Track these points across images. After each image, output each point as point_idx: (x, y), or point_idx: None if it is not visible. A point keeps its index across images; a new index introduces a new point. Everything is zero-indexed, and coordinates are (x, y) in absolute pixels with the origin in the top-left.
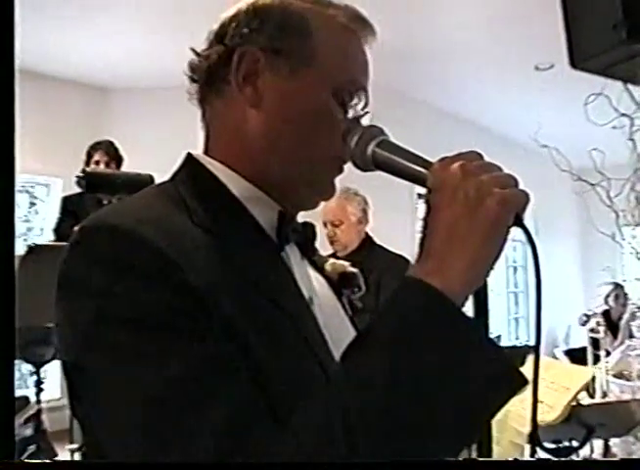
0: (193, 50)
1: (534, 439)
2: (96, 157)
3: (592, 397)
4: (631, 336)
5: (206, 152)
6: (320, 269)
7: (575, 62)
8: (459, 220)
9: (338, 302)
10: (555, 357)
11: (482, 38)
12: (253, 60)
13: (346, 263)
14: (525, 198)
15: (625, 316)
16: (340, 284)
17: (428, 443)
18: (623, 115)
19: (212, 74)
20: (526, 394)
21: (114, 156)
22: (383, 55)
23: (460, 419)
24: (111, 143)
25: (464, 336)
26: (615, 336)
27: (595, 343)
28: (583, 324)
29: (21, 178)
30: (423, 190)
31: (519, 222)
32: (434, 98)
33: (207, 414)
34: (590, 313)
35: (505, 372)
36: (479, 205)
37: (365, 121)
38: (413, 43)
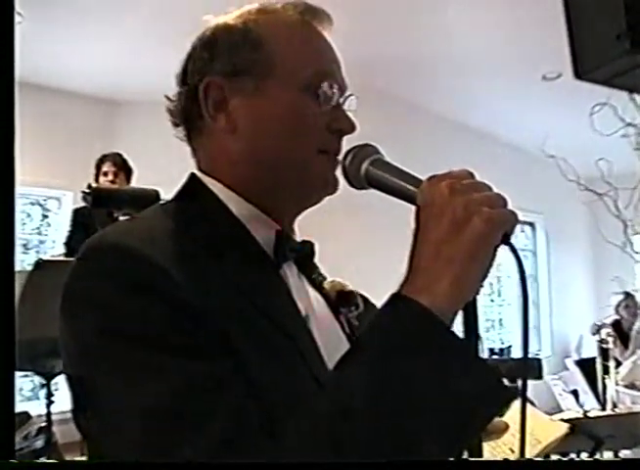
0: (167, 97)
1: (523, 453)
2: (104, 168)
3: (603, 407)
4: None
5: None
6: (318, 287)
7: (580, 73)
8: (446, 238)
9: (335, 320)
10: (566, 368)
11: (490, 48)
12: (217, 88)
13: (345, 282)
14: (512, 218)
15: (636, 326)
16: (337, 302)
17: (413, 455)
18: (629, 124)
19: (187, 115)
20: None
21: (122, 166)
22: (391, 66)
23: (445, 433)
24: (119, 154)
25: (449, 352)
26: (626, 346)
27: (605, 353)
28: (595, 334)
29: (33, 191)
30: None
31: (507, 242)
32: (439, 106)
33: (204, 430)
34: (600, 324)
35: (492, 388)
36: (465, 223)
37: (348, 104)
38: (420, 54)
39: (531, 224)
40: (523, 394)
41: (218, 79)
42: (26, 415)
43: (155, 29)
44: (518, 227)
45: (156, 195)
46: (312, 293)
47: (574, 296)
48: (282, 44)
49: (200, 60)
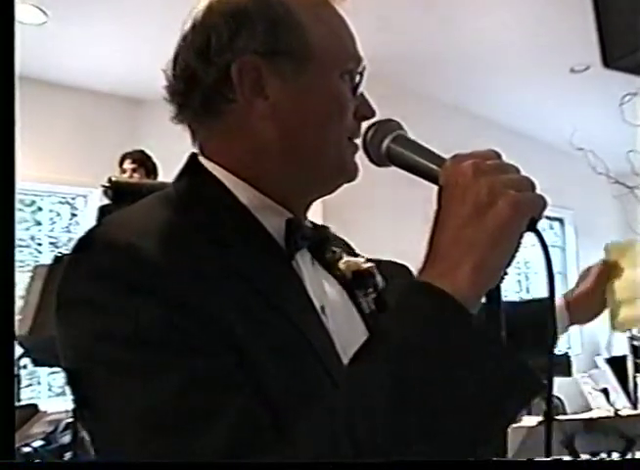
0: (172, 74)
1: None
2: (124, 165)
3: (635, 406)
4: None
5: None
6: (333, 268)
7: (608, 60)
8: (468, 222)
9: (352, 306)
10: (596, 366)
11: (516, 42)
12: (254, 69)
13: (361, 260)
14: (541, 202)
15: None
16: (353, 284)
17: (436, 452)
18: None
19: (209, 97)
20: None
21: (142, 163)
22: (416, 60)
23: (475, 424)
24: (141, 151)
25: (476, 339)
26: None
27: (636, 351)
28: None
29: (61, 190)
30: None
31: (533, 228)
32: (467, 102)
33: (209, 431)
34: None
35: (520, 376)
36: (489, 206)
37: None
38: (446, 48)
39: (560, 220)
40: (549, 391)
41: (254, 59)
42: (34, 408)
43: (178, 27)
44: (546, 223)
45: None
46: (328, 281)
47: None
48: (318, 26)
49: (231, 35)
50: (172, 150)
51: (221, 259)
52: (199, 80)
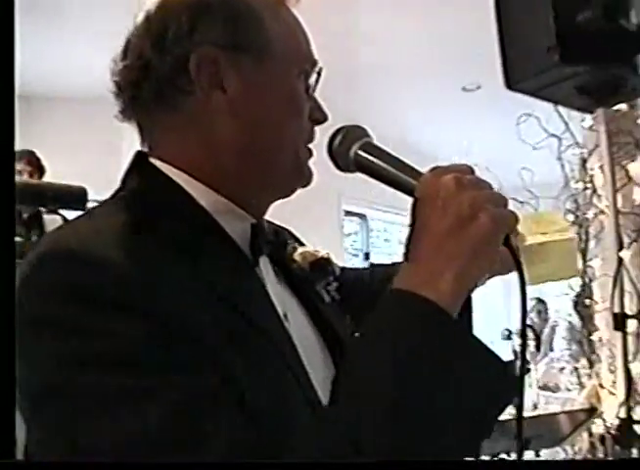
0: (124, 65)
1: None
2: (18, 166)
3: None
4: (552, 349)
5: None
6: (290, 262)
7: (511, 83)
8: (449, 233)
9: (306, 311)
10: None
11: (409, 59)
12: (213, 61)
13: (317, 250)
14: (514, 219)
15: (546, 330)
16: (313, 275)
17: (434, 453)
18: (553, 135)
19: (164, 89)
20: None
21: (37, 165)
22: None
23: (465, 428)
24: (32, 152)
25: (462, 346)
26: (538, 349)
27: (516, 355)
28: (506, 339)
29: None
30: (349, 207)
31: (506, 242)
32: (359, 117)
33: (209, 451)
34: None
35: (509, 380)
36: (471, 219)
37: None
38: (339, 63)
39: None
40: (520, 388)
41: (214, 51)
42: None
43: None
44: None
45: (84, 193)
46: (285, 286)
47: (485, 302)
48: (277, 24)
49: (191, 26)
50: (57, 148)
51: (191, 270)
52: (153, 70)
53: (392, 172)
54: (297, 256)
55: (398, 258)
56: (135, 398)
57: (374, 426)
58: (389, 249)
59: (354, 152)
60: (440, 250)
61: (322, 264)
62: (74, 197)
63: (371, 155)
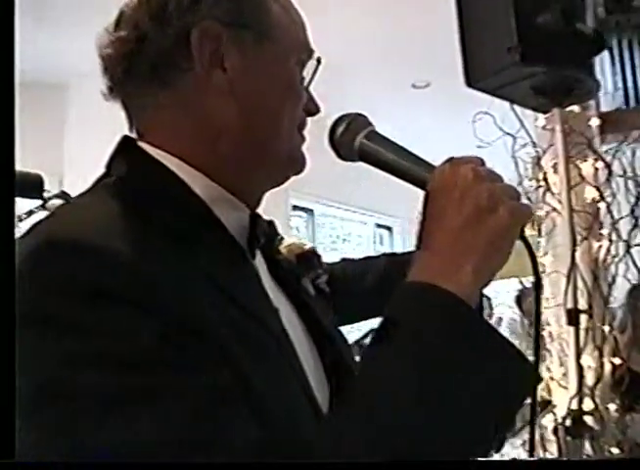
0: (116, 37)
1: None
2: None
3: None
4: None
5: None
6: (276, 255)
7: (471, 81)
8: (468, 224)
9: (294, 305)
10: None
11: (359, 57)
12: (216, 37)
13: (303, 242)
14: (530, 212)
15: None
16: (299, 267)
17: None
18: (508, 134)
19: (160, 64)
20: None
21: None
22: None
23: (490, 420)
24: None
25: (485, 338)
26: None
27: None
28: None
29: None
30: (298, 202)
31: (521, 235)
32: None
33: (228, 444)
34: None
35: (529, 372)
36: (490, 212)
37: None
38: None
39: (389, 228)
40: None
41: (217, 26)
42: None
43: None
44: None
45: (40, 181)
46: (272, 280)
47: None
48: (279, 8)
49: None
50: None
51: (191, 262)
52: (150, 43)
53: (400, 162)
54: (282, 248)
55: (343, 253)
56: (148, 397)
57: (398, 418)
58: (334, 244)
59: (360, 141)
60: (459, 241)
61: (308, 257)
62: (32, 185)
63: (378, 145)
